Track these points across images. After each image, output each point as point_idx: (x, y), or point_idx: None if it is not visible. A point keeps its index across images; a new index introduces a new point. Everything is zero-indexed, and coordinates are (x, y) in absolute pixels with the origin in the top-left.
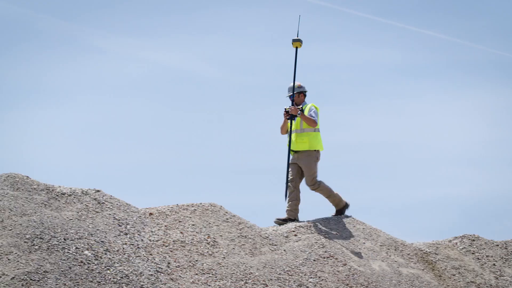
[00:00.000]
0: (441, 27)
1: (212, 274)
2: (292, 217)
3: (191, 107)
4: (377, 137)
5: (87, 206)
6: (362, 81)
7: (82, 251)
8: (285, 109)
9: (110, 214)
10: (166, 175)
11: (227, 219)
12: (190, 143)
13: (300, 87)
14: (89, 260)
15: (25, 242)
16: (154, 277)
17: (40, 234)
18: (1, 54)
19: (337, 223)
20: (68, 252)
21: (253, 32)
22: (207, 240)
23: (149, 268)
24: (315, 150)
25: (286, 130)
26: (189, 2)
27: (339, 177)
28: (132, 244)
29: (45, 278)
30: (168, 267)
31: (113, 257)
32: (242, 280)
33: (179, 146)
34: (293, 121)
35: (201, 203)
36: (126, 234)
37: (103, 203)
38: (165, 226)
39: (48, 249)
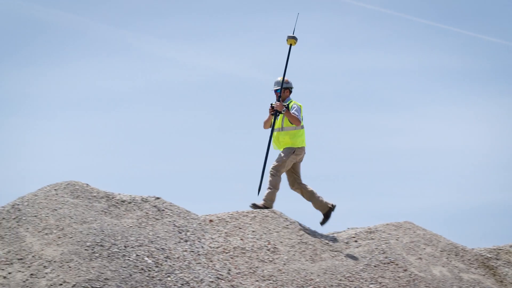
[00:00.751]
0: (501, 33)
1: (273, 281)
2: (323, 210)
3: (247, 113)
4: (437, 143)
5: (147, 213)
6: (419, 86)
7: (143, 258)
8: (271, 104)
9: (170, 221)
10: (226, 181)
11: (287, 225)
12: (248, 149)
13: (287, 82)
14: (150, 267)
15: (85, 249)
16: (214, 284)
17: (100, 242)
18: (59, 61)
19: (397, 229)
20: (128, 259)
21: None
22: (267, 247)
23: (209, 275)
24: (296, 147)
25: (270, 125)
26: (245, 7)
27: (399, 182)
28: (193, 251)
29: (106, 286)
30: (229, 274)
31: (173, 264)
32: (303, 287)
33: (236, 152)
34: (276, 117)
35: (261, 210)
36: (186, 241)
37: (163, 210)
38: (225, 233)
39: (108, 256)
